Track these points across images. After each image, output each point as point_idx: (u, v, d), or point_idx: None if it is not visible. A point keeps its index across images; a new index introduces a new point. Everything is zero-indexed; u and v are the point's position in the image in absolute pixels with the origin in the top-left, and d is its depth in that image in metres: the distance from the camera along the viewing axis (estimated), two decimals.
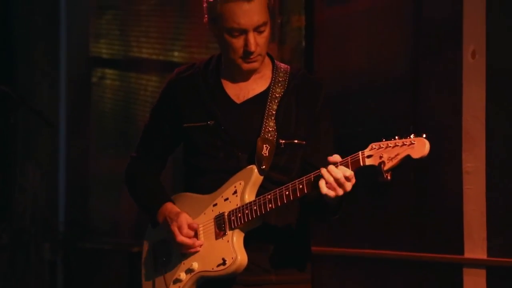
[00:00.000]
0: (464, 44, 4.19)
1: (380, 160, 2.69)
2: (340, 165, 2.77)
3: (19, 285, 5.89)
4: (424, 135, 2.68)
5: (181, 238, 2.98)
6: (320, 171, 2.78)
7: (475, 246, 4.15)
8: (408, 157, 2.66)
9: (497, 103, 4.09)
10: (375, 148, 2.72)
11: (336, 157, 2.80)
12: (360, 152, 2.74)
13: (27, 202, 6.05)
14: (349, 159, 2.75)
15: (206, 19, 3.02)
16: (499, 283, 4.10)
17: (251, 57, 2.95)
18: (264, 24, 2.94)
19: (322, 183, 2.77)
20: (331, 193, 2.77)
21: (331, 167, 2.77)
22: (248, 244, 2.95)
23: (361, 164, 2.73)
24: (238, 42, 2.95)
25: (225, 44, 2.99)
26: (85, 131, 6.23)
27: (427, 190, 4.36)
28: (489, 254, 4.12)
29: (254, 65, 2.99)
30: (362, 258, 4.58)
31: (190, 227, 3.00)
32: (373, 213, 4.53)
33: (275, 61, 3.10)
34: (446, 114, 4.29)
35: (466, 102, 4.18)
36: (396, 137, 2.71)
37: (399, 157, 2.67)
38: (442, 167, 4.29)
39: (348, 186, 2.78)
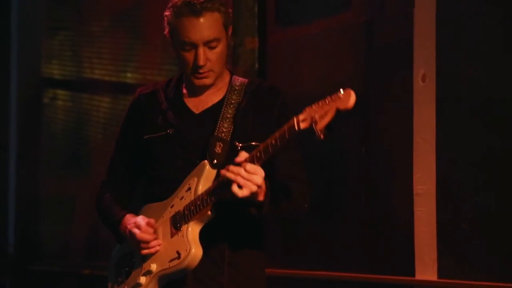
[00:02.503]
0: (414, 68, 4.24)
1: (312, 121, 2.73)
2: (270, 141, 2.79)
3: None
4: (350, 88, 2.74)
5: (140, 235, 2.99)
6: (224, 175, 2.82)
7: (426, 268, 4.18)
8: (337, 111, 2.72)
9: (446, 126, 4.14)
10: (307, 110, 2.76)
11: (242, 154, 2.84)
12: (294, 116, 2.77)
13: None
14: (285, 126, 2.78)
15: (166, 31, 3.06)
16: None
17: (201, 71, 2.99)
18: (216, 40, 2.98)
19: (234, 188, 2.80)
20: (245, 193, 2.80)
21: (230, 166, 2.82)
22: (204, 251, 2.95)
23: (296, 128, 2.76)
24: (190, 56, 3.00)
25: (179, 57, 3.04)
26: (36, 152, 6.17)
27: (378, 212, 4.39)
28: (439, 276, 4.15)
29: (205, 81, 3.03)
30: (315, 279, 4.59)
31: (148, 224, 3.01)
32: (325, 235, 4.55)
33: (234, 75, 3.14)
34: (397, 137, 4.33)
35: (417, 125, 4.22)
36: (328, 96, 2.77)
37: (330, 113, 2.72)
38: (393, 189, 4.33)
39: (257, 178, 2.80)
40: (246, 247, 3.07)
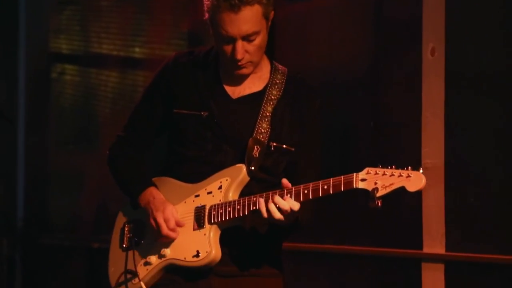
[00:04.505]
0: (423, 41, 4.23)
1: (374, 186, 2.70)
2: (323, 185, 2.78)
3: None
4: (421, 170, 2.70)
5: (166, 232, 2.97)
6: (271, 200, 2.82)
7: (434, 241, 4.20)
8: (402, 188, 2.69)
9: (455, 100, 4.14)
10: (370, 173, 2.73)
11: (286, 184, 2.84)
12: (354, 174, 2.75)
13: None
14: (342, 178, 2.77)
15: (206, 17, 3.00)
16: (457, 277, 4.16)
17: (239, 64, 2.95)
18: (255, 33, 2.93)
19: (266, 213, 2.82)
20: (272, 220, 2.83)
21: (278, 199, 2.80)
22: (222, 237, 2.96)
23: (354, 186, 2.75)
24: (228, 48, 2.95)
25: (217, 46, 3.00)
26: (44, 127, 6.18)
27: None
28: (447, 249, 4.17)
29: (244, 71, 2.99)
30: (323, 253, 4.61)
31: (177, 223, 2.99)
32: (333, 209, 4.56)
33: (274, 62, 3.10)
34: (405, 111, 4.33)
35: (426, 99, 4.22)
36: (393, 166, 2.73)
37: (393, 186, 2.69)
38: (402, 163, 4.33)
39: (291, 216, 2.83)
40: (266, 243, 3.05)
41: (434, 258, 4.20)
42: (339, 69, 4.64)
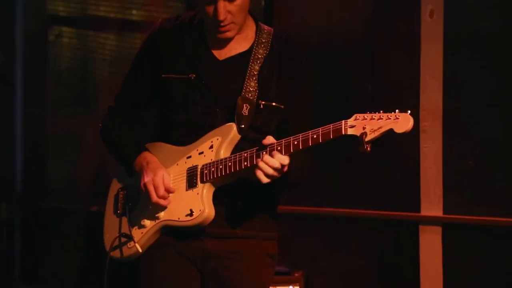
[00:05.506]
0: (422, 3, 4.21)
1: (363, 131, 2.71)
2: (312, 134, 2.78)
3: None
4: (409, 111, 2.69)
5: (156, 199, 2.98)
6: (260, 159, 2.82)
7: (431, 204, 4.21)
8: (390, 130, 2.69)
9: (454, 62, 4.13)
10: (358, 119, 2.73)
11: (270, 139, 2.84)
12: (343, 121, 2.75)
13: None
14: (331, 126, 2.76)
15: None
16: (454, 239, 4.17)
17: (222, 24, 2.93)
18: None
19: (259, 173, 2.82)
20: (266, 180, 2.82)
21: (267, 158, 2.80)
22: (216, 199, 2.97)
23: (343, 132, 2.75)
24: (210, 10, 2.93)
25: (201, 8, 2.98)
26: (42, 90, 6.16)
27: (384, 149, 4.39)
28: (444, 212, 4.18)
29: (227, 34, 2.97)
30: (320, 216, 4.62)
31: (167, 189, 2.99)
32: (330, 172, 4.57)
33: (259, 23, 3.08)
34: (404, 73, 4.32)
35: (424, 61, 4.21)
36: (381, 111, 2.72)
37: (382, 130, 2.69)
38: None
39: (284, 169, 2.82)
40: (260, 204, 3.05)
41: (431, 221, 4.21)
42: (337, 32, 4.62)
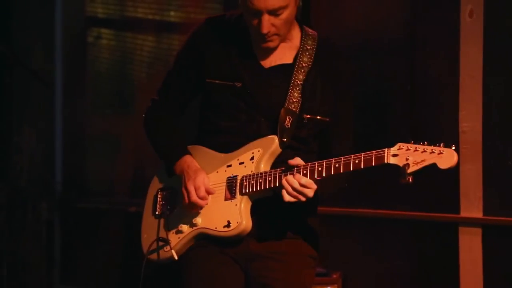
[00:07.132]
0: (461, 3, 4.18)
1: (406, 162, 2.69)
2: (354, 159, 2.78)
3: (16, 245, 5.91)
4: (453, 147, 2.67)
5: (195, 198, 2.98)
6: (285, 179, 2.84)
7: (471, 205, 4.17)
8: (433, 165, 2.67)
9: (494, 62, 4.10)
10: (402, 148, 2.72)
11: (297, 160, 2.85)
12: (386, 149, 2.74)
13: (23, 162, 6.04)
14: (373, 153, 2.75)
15: None
16: (494, 241, 4.14)
17: (265, 37, 2.92)
18: (281, 8, 2.87)
19: (283, 192, 2.85)
20: (292, 200, 2.84)
21: (288, 177, 2.83)
22: (254, 212, 2.96)
23: (385, 161, 2.73)
24: (254, 21, 2.91)
25: (246, 18, 2.96)
26: (81, 91, 6.21)
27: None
28: (484, 213, 4.15)
29: (270, 44, 2.95)
30: (360, 217, 4.60)
31: (207, 191, 3.00)
32: (370, 173, 4.54)
33: (304, 26, 3.05)
34: (443, 74, 4.30)
35: (463, 62, 4.18)
36: (425, 142, 2.70)
37: (425, 163, 2.67)
38: (439, 127, 4.30)
39: (309, 192, 2.83)
40: (302, 206, 3.00)
41: (471, 222, 4.18)
42: (375, 32, 4.60)
